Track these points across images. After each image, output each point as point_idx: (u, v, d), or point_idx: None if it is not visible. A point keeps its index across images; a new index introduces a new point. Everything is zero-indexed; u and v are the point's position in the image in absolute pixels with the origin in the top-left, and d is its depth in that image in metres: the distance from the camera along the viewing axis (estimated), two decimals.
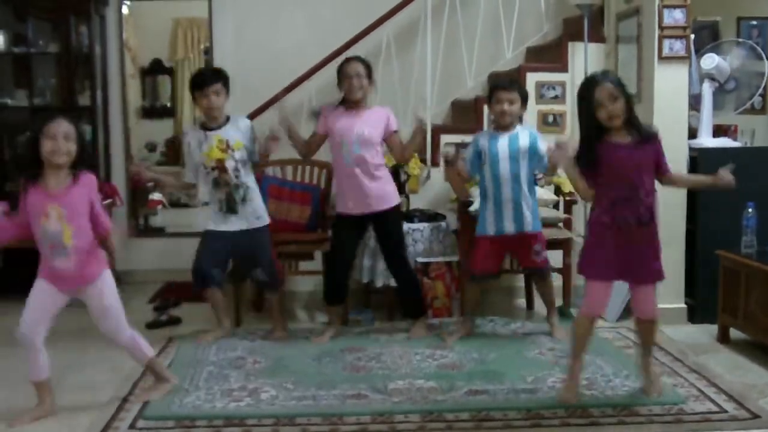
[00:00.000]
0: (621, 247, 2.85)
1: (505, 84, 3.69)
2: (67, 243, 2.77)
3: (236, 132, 3.65)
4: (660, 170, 2.91)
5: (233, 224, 3.66)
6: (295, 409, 2.91)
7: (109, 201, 4.52)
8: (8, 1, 4.76)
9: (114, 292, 2.92)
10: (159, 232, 5.27)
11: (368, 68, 3.67)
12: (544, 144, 3.61)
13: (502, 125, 3.66)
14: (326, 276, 3.86)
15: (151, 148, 7.56)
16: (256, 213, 3.69)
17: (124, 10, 5.16)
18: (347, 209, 3.69)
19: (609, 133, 2.83)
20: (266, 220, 3.75)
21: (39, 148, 2.74)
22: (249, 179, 3.68)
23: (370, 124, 3.64)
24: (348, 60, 3.73)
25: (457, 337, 3.75)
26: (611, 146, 2.82)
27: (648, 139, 2.85)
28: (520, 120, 3.74)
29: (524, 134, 3.65)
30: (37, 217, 2.76)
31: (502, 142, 3.63)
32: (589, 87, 2.83)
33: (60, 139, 2.73)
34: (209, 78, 3.63)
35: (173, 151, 7.26)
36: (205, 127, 3.66)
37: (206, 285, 3.73)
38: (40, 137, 2.74)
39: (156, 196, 5.44)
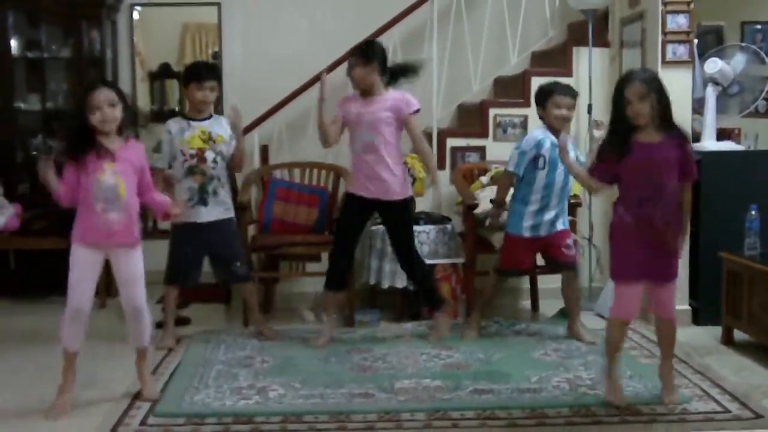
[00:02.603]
0: (645, 247, 2.83)
1: (564, 89, 3.67)
2: (122, 196, 2.87)
3: (219, 127, 3.75)
4: (683, 173, 2.85)
5: (202, 216, 3.71)
6: (302, 407, 2.95)
7: None
8: (22, 7, 4.82)
9: (142, 266, 3.00)
10: (167, 234, 5.30)
11: (363, 55, 3.64)
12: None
13: (559, 130, 3.62)
14: (330, 256, 3.85)
15: (159, 151, 7.60)
16: (224, 205, 3.77)
17: (135, 15, 5.23)
18: (356, 190, 3.72)
19: (637, 131, 2.83)
20: (233, 213, 3.83)
21: (86, 120, 2.83)
22: (223, 174, 3.76)
23: (381, 109, 3.63)
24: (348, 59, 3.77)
25: (472, 334, 3.80)
26: (638, 145, 2.82)
27: (675, 137, 2.83)
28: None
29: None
30: (92, 175, 2.85)
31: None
32: (622, 83, 2.85)
33: (105, 107, 2.84)
34: (207, 73, 3.74)
35: None
36: (189, 119, 3.76)
37: (184, 285, 3.82)
38: (86, 110, 2.83)
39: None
